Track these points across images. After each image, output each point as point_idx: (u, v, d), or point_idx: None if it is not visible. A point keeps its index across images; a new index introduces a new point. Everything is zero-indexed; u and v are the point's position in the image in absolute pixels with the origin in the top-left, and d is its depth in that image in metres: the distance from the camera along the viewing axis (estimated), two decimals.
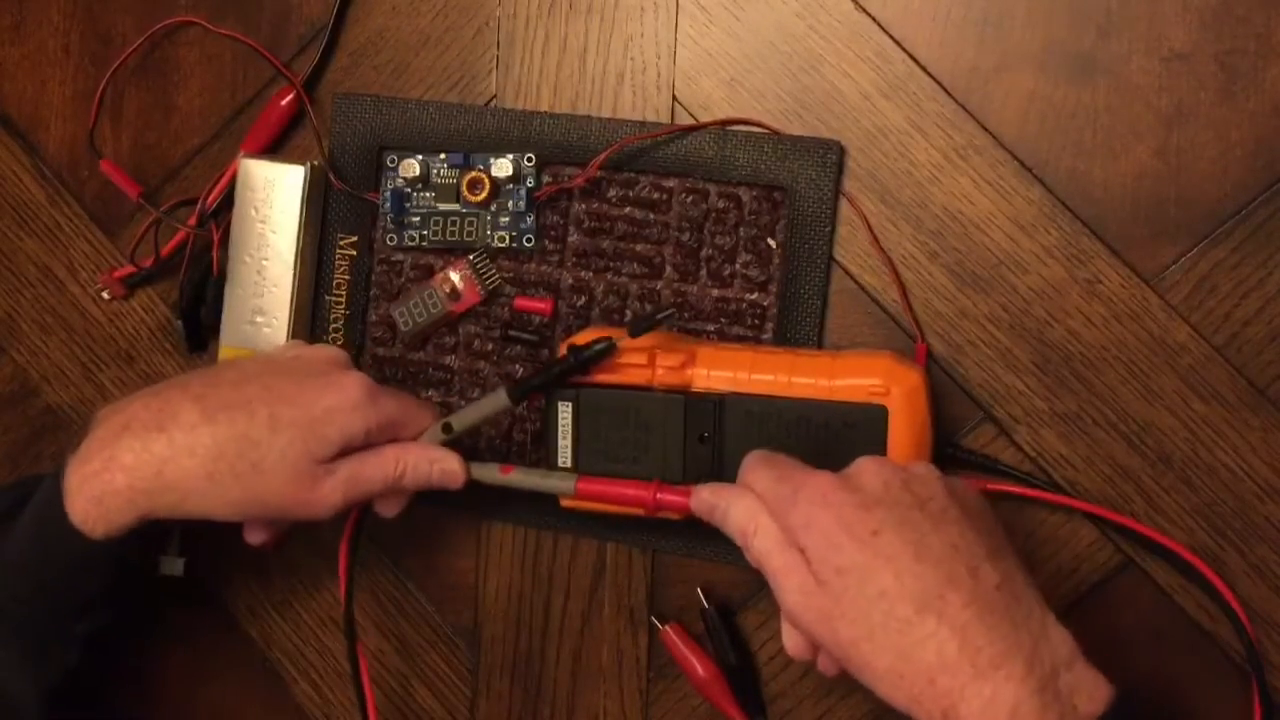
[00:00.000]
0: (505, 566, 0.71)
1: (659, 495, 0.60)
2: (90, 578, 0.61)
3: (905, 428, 0.59)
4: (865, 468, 0.55)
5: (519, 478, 0.63)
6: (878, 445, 0.59)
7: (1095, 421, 0.64)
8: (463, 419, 0.63)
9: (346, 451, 0.61)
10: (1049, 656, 0.49)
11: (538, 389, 0.62)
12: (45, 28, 0.74)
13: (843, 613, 0.51)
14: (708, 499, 0.58)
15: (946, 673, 0.49)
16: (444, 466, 0.63)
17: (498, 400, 0.62)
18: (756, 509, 0.55)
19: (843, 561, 0.52)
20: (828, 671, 0.57)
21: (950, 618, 0.49)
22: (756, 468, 0.57)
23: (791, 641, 0.57)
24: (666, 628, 0.68)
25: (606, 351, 0.61)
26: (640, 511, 0.62)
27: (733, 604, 0.68)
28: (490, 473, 0.63)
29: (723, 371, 0.61)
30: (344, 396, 0.61)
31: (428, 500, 0.65)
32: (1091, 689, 0.49)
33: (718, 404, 0.61)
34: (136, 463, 0.58)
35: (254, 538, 0.65)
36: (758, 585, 0.68)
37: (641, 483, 0.61)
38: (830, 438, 0.60)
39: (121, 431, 0.59)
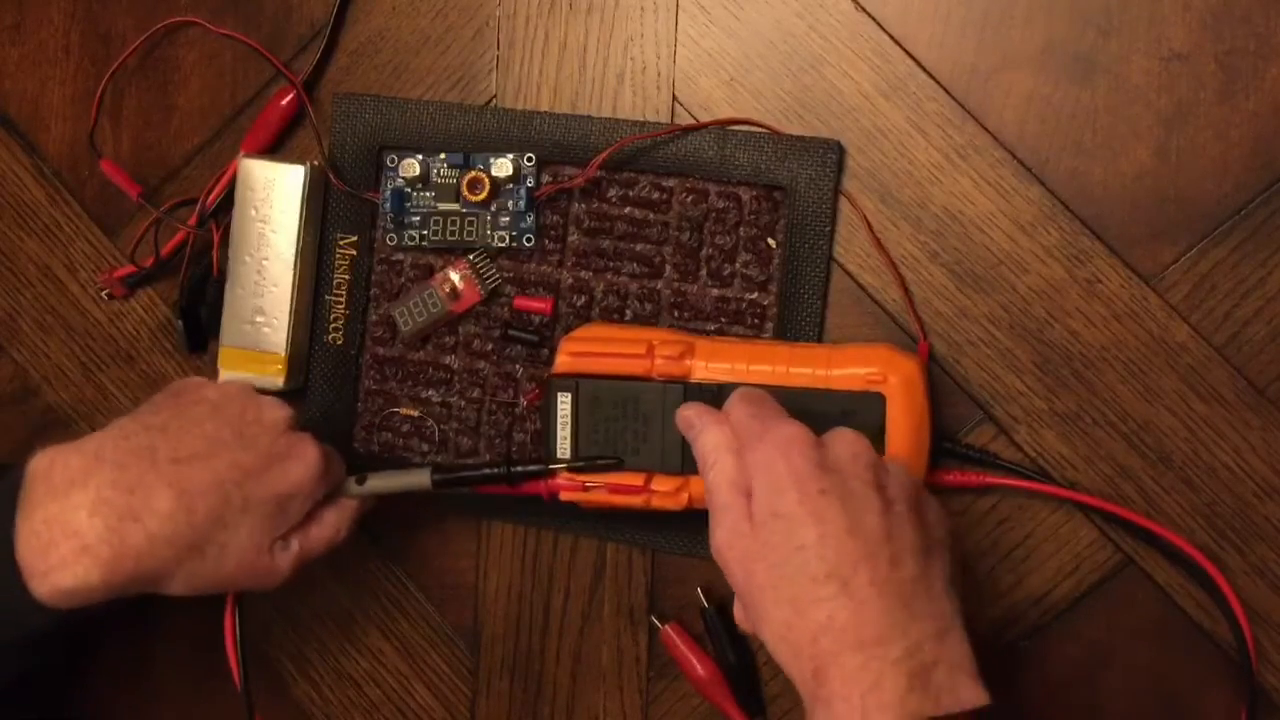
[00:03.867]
0: (505, 566, 0.71)
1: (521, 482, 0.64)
2: (16, 630, 0.58)
3: (903, 415, 0.60)
4: (841, 436, 0.55)
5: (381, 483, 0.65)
6: (876, 433, 0.60)
7: (1095, 421, 0.64)
8: (377, 482, 0.65)
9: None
10: (933, 653, 0.50)
11: (462, 483, 0.65)
12: (45, 28, 0.74)
13: (763, 556, 0.53)
14: (690, 417, 0.60)
15: (829, 635, 0.50)
16: (356, 517, 0.65)
17: (420, 479, 0.64)
18: (723, 443, 0.57)
19: (780, 507, 0.53)
20: (741, 623, 0.57)
21: (853, 590, 0.50)
22: (738, 402, 0.58)
23: (739, 610, 0.57)
24: (666, 627, 0.68)
25: (541, 473, 0.64)
26: (637, 505, 0.62)
27: (732, 604, 0.68)
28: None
29: (721, 363, 0.62)
30: (308, 471, 0.61)
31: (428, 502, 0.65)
32: (964, 694, 0.50)
33: (716, 394, 0.61)
34: (114, 556, 0.56)
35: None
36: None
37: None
38: (828, 427, 0.60)
39: (91, 514, 0.56)
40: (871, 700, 0.48)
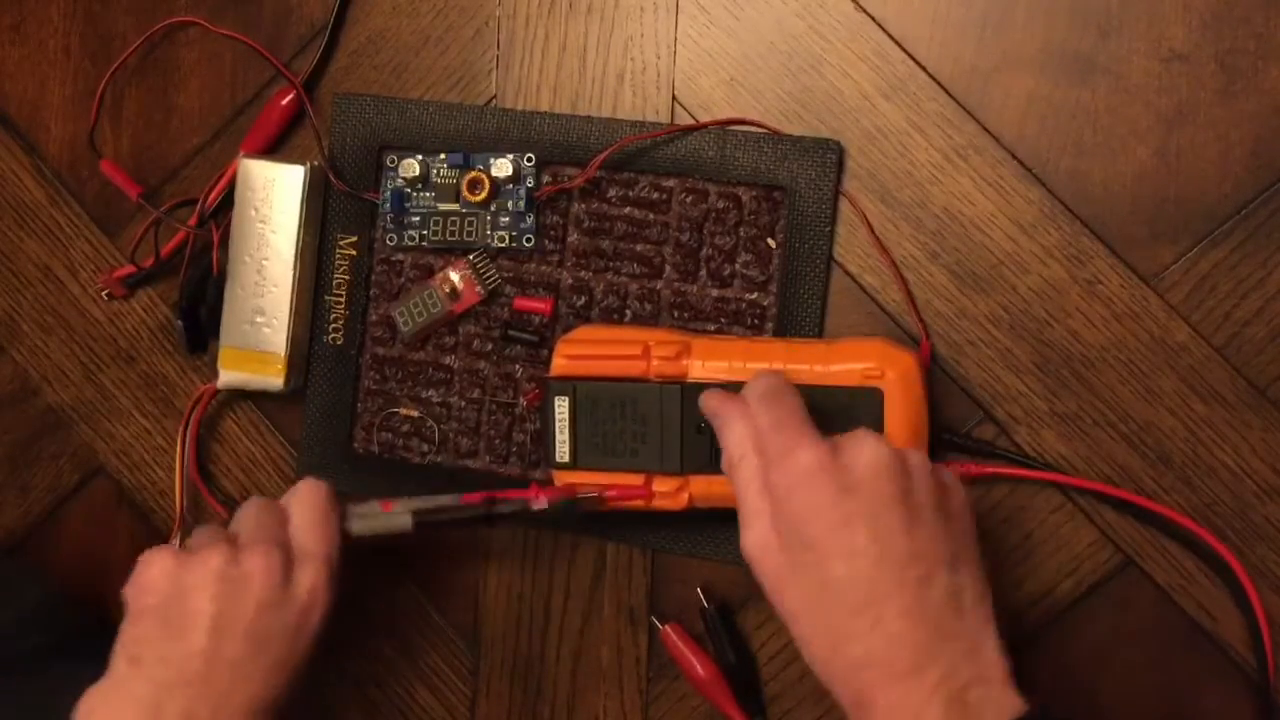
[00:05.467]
0: (505, 566, 0.71)
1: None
2: None
3: (901, 409, 0.60)
4: (861, 446, 0.54)
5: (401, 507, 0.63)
6: (874, 428, 0.60)
7: (1095, 421, 0.64)
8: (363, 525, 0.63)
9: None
10: (968, 671, 0.50)
11: (443, 525, 0.63)
12: (45, 28, 0.75)
13: (795, 584, 0.53)
14: (715, 407, 0.59)
15: (869, 669, 0.51)
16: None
17: (402, 521, 0.63)
18: (749, 442, 0.56)
19: (808, 538, 0.53)
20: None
21: (884, 624, 0.51)
22: (761, 400, 0.57)
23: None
24: (666, 628, 0.68)
25: (518, 514, 0.62)
26: (637, 506, 0.62)
27: (733, 604, 0.68)
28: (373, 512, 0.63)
29: (718, 361, 0.62)
30: (324, 603, 0.60)
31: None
32: (1004, 706, 0.50)
33: None
34: None
35: None
36: (758, 585, 0.68)
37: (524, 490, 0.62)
38: (827, 422, 0.60)
39: None
40: None
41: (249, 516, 0.61)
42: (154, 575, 0.58)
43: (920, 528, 0.53)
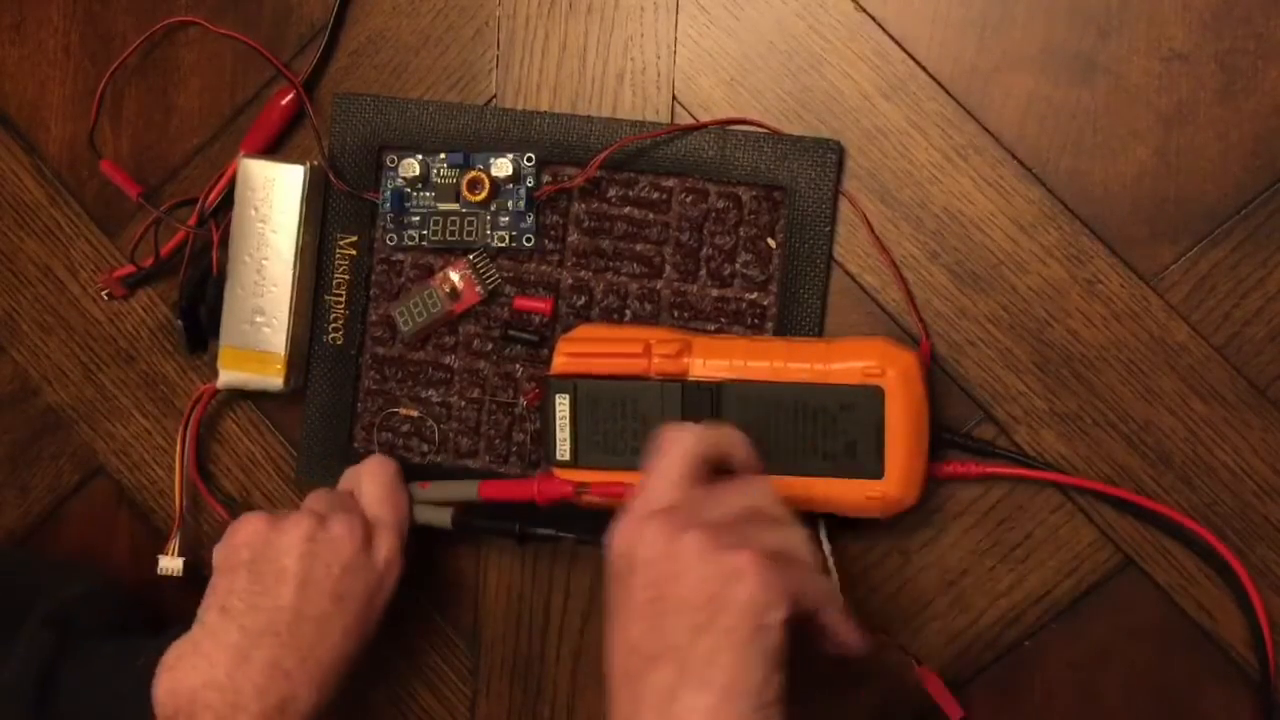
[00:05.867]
0: (505, 566, 0.71)
1: (541, 487, 0.64)
2: None
3: (902, 408, 0.60)
4: (613, 543, 0.55)
5: (432, 493, 0.67)
6: (875, 426, 0.60)
7: (1095, 421, 0.64)
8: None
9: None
10: None
11: (480, 531, 0.68)
12: (45, 28, 0.75)
13: None
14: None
15: None
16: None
17: (441, 518, 0.67)
18: None
19: None
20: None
21: (616, 712, 0.53)
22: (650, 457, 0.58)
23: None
24: None
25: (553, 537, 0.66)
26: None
27: None
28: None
29: (719, 360, 0.62)
30: (395, 567, 0.65)
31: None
32: None
33: (715, 391, 0.61)
34: None
35: None
36: None
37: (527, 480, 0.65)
38: (828, 421, 0.60)
39: None
40: None
41: (321, 498, 0.65)
42: (247, 535, 0.62)
43: (649, 622, 0.52)
